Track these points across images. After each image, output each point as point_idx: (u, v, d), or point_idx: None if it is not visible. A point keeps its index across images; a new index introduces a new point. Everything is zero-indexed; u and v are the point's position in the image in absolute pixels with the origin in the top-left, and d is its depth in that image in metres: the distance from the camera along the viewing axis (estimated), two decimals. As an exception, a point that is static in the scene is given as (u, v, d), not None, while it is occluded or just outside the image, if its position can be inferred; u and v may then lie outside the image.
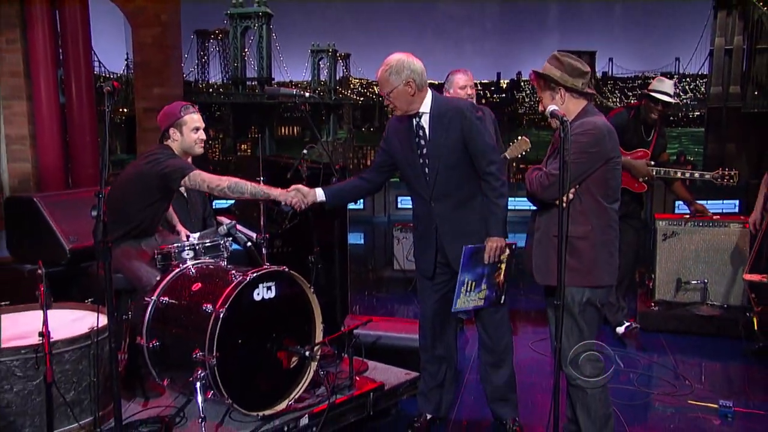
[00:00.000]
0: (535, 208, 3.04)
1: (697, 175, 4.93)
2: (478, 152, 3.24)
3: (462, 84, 4.38)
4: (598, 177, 2.85)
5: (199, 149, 3.66)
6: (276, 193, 3.43)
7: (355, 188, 3.58)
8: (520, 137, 4.50)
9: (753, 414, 3.82)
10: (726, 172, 4.77)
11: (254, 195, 3.44)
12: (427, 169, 3.30)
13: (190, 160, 3.74)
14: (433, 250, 3.39)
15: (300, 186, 3.45)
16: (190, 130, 3.59)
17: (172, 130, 3.57)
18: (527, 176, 2.97)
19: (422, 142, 3.30)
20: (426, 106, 3.27)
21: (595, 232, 2.86)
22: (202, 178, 3.41)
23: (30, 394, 2.88)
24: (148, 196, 3.53)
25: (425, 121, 3.28)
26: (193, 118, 3.60)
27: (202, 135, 3.65)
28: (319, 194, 3.45)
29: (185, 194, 4.63)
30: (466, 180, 3.31)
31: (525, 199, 3.15)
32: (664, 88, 4.79)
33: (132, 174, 3.58)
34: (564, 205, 2.77)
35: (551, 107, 2.79)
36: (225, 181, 3.42)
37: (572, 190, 2.83)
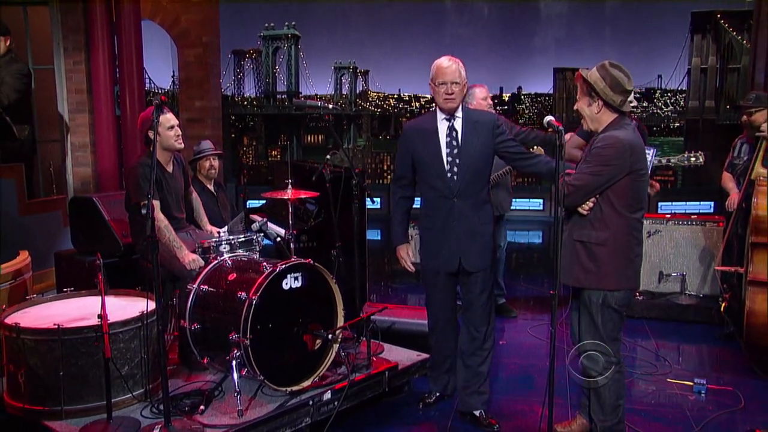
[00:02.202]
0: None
1: (664, 161, 4.63)
2: (516, 152, 3.24)
3: (484, 96, 4.55)
4: (620, 187, 2.69)
5: (178, 144, 3.65)
6: (182, 254, 3.44)
7: (410, 211, 3.51)
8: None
9: (723, 390, 3.80)
10: (692, 154, 4.47)
11: (168, 244, 3.43)
12: (456, 168, 3.17)
13: (172, 156, 3.72)
14: (457, 246, 3.23)
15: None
16: (166, 129, 3.57)
17: (150, 133, 3.51)
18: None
19: (454, 143, 3.19)
20: (459, 111, 3.21)
21: (614, 239, 2.72)
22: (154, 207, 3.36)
23: (91, 367, 2.92)
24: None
25: (458, 125, 3.20)
26: (167, 118, 3.56)
27: (177, 131, 3.62)
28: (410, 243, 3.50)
29: (216, 193, 4.63)
30: (484, 185, 3.26)
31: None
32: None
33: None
34: (583, 210, 2.74)
35: (547, 118, 2.66)
36: (164, 221, 3.45)
37: (593, 199, 2.73)
